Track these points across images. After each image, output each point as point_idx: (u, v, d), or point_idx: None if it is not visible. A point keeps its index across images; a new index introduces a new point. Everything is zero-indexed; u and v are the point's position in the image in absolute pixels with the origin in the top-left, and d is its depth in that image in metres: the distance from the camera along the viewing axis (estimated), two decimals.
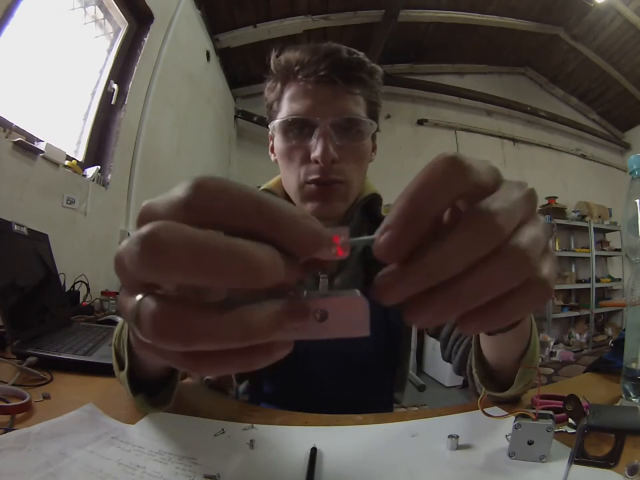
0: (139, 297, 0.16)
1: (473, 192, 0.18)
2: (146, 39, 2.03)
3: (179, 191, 0.16)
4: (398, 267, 0.18)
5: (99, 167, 1.73)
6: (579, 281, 4.27)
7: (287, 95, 0.62)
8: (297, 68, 0.60)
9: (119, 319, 0.50)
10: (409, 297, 0.18)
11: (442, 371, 3.09)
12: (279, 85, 0.64)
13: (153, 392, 0.47)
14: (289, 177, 0.64)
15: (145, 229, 0.14)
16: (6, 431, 0.40)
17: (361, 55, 0.63)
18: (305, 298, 0.18)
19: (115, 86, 1.89)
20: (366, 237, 0.19)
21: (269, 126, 0.65)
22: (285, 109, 0.62)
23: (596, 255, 4.22)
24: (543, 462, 0.37)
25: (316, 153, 0.58)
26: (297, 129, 0.61)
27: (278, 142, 0.64)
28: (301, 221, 0.16)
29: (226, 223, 0.16)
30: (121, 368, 0.46)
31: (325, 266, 0.19)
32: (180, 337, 0.15)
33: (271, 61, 0.64)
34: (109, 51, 1.97)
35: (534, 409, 0.39)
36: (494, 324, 0.19)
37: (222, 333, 0.15)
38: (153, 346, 0.16)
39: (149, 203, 0.17)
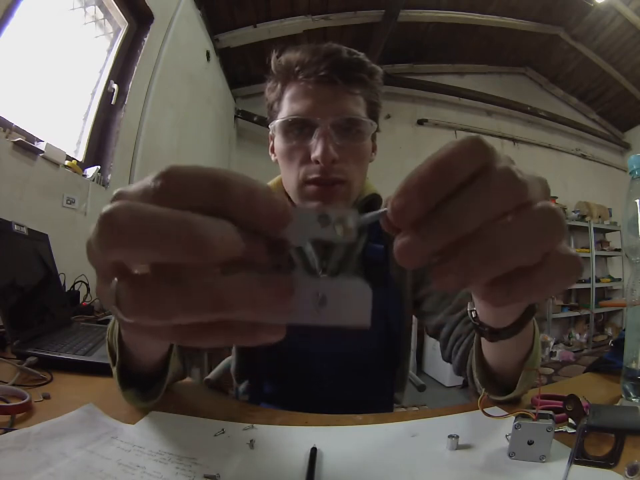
0: (114, 282, 0.16)
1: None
2: (146, 39, 2.03)
3: (146, 179, 0.17)
4: (416, 225, 0.18)
5: (99, 166, 1.73)
6: (579, 281, 4.26)
7: (287, 95, 0.62)
8: (297, 68, 0.60)
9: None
10: (432, 255, 0.18)
11: (442, 371, 3.09)
12: (279, 85, 0.64)
13: (144, 386, 0.47)
14: (289, 176, 0.64)
15: (105, 208, 0.15)
16: (6, 430, 0.40)
17: (361, 55, 0.63)
18: (299, 278, 0.17)
19: (115, 86, 1.89)
20: (376, 212, 0.18)
21: (270, 126, 0.65)
22: (286, 109, 0.62)
23: (596, 255, 4.22)
24: (543, 462, 0.37)
25: (316, 153, 0.58)
26: (297, 129, 0.61)
27: (278, 142, 0.64)
28: (258, 195, 0.16)
29: (189, 203, 0.16)
30: (114, 362, 0.46)
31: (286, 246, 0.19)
32: (156, 311, 0.15)
33: (272, 62, 0.64)
34: (109, 50, 1.97)
35: (534, 408, 0.39)
36: (521, 295, 0.19)
37: (193, 304, 0.15)
38: (138, 325, 0.17)
39: (120, 190, 0.18)
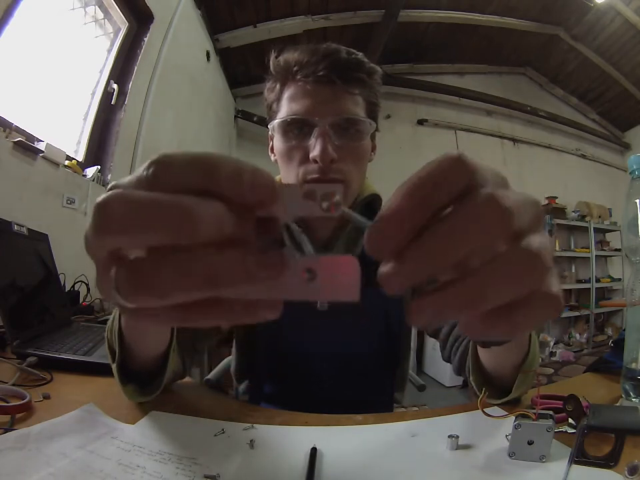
0: (113, 270, 0.17)
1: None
2: (146, 39, 2.03)
3: (139, 169, 0.17)
4: (394, 255, 0.18)
5: (99, 167, 1.73)
6: (579, 281, 4.26)
7: (286, 95, 0.62)
8: (295, 68, 0.60)
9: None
10: (409, 285, 0.18)
11: (442, 371, 3.09)
12: (278, 86, 0.64)
13: (144, 382, 0.48)
14: (288, 176, 0.64)
15: (99, 199, 0.16)
16: (6, 430, 0.40)
17: (360, 55, 0.63)
18: (289, 254, 0.17)
19: (115, 86, 1.89)
20: (364, 222, 0.19)
21: (269, 126, 0.65)
22: (285, 109, 0.62)
23: (596, 255, 4.22)
24: (543, 462, 0.37)
25: (315, 152, 0.58)
26: (296, 128, 0.61)
27: (277, 142, 0.64)
28: (245, 173, 0.17)
29: (180, 187, 0.16)
30: (113, 359, 0.47)
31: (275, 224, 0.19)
32: (155, 290, 0.16)
33: (270, 62, 0.64)
34: (109, 50, 1.97)
35: (534, 408, 0.39)
36: (497, 333, 0.18)
37: (189, 281, 0.16)
38: (139, 310, 0.17)
39: (114, 182, 0.18)
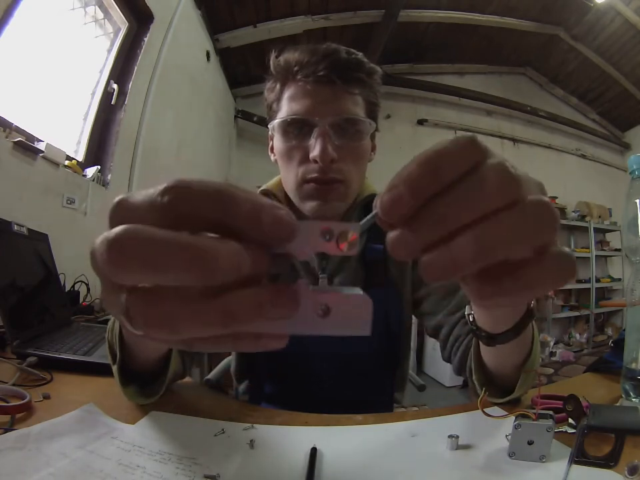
0: (123, 296, 0.16)
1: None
2: (146, 39, 2.03)
3: (152, 192, 0.16)
4: (407, 220, 0.18)
5: (99, 166, 1.73)
6: (579, 281, 4.26)
7: (286, 95, 0.62)
8: (296, 68, 0.60)
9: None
10: (424, 247, 0.18)
11: (442, 371, 3.09)
12: (278, 86, 0.64)
13: (145, 384, 0.48)
14: (288, 176, 0.64)
15: (112, 233, 0.15)
16: (6, 430, 0.40)
17: (360, 55, 0.63)
18: (302, 290, 0.17)
19: (115, 86, 1.89)
20: (370, 215, 0.19)
21: (269, 126, 0.66)
22: (285, 109, 0.62)
23: (596, 255, 4.22)
24: (543, 462, 0.37)
25: (314, 152, 0.58)
26: (296, 128, 0.61)
27: (277, 142, 0.64)
28: (265, 210, 0.16)
29: (196, 219, 0.16)
30: (114, 361, 0.47)
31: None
32: (167, 327, 0.16)
33: (271, 62, 0.64)
34: (109, 51, 1.97)
35: (534, 408, 0.39)
36: (510, 292, 0.18)
37: (204, 320, 0.16)
38: (146, 336, 0.17)
39: (122, 200, 0.17)
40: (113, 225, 0.16)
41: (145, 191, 0.17)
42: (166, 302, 0.16)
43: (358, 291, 0.18)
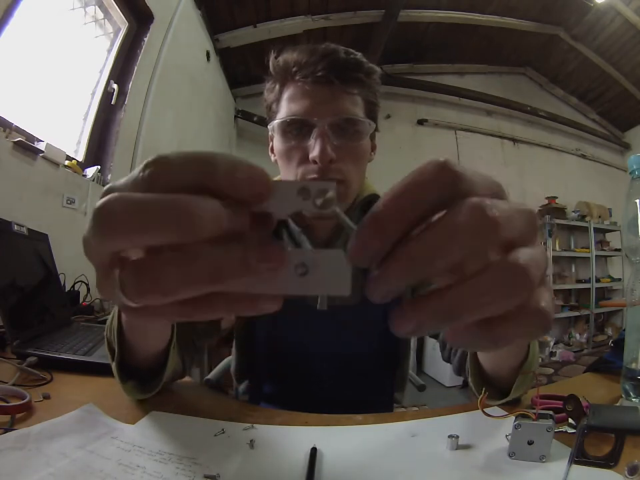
0: (116, 271, 0.17)
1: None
2: (146, 39, 2.03)
3: (135, 171, 0.18)
4: (377, 264, 0.18)
5: (99, 166, 1.73)
6: (578, 281, 4.26)
7: (285, 95, 0.63)
8: (294, 69, 0.60)
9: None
10: (392, 294, 0.18)
11: (442, 371, 3.09)
12: (277, 86, 0.64)
13: (144, 379, 0.48)
14: (287, 176, 0.64)
15: (97, 203, 0.17)
16: (6, 430, 0.40)
17: (359, 55, 0.63)
18: (279, 246, 0.18)
19: (115, 86, 1.89)
20: (349, 221, 0.19)
21: (268, 127, 0.66)
22: (284, 110, 0.62)
23: (596, 255, 4.22)
24: (543, 462, 0.37)
25: (314, 153, 0.58)
26: (296, 129, 0.61)
27: (277, 142, 0.64)
28: (240, 169, 0.17)
29: (177, 186, 0.17)
30: (113, 358, 0.47)
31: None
32: (161, 289, 0.16)
33: (270, 63, 0.64)
34: (109, 51, 1.97)
35: (534, 408, 0.39)
36: (481, 345, 0.18)
37: (193, 277, 0.16)
38: (144, 308, 0.18)
39: (110, 185, 0.18)
40: None
41: (130, 173, 0.18)
42: (155, 266, 0.16)
43: (338, 251, 0.18)
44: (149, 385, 0.48)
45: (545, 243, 4.01)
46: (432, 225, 0.17)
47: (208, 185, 0.17)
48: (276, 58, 0.64)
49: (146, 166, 0.17)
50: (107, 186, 0.18)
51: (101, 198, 0.18)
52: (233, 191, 0.17)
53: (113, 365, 0.47)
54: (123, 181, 0.18)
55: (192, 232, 0.16)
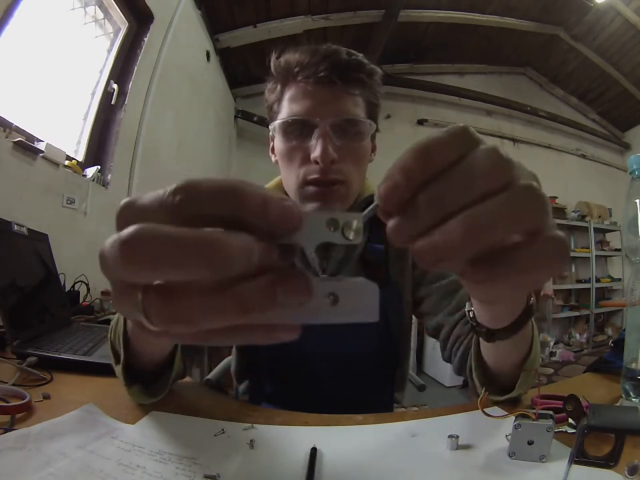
0: (139, 295, 0.17)
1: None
2: (146, 39, 2.03)
3: (162, 193, 0.17)
4: (404, 207, 0.18)
5: (99, 166, 1.73)
6: (578, 281, 4.27)
7: (287, 96, 0.63)
8: (296, 69, 0.60)
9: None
10: (417, 235, 0.18)
11: (442, 371, 3.09)
12: (279, 87, 0.64)
13: (149, 382, 0.48)
14: (288, 177, 0.64)
15: (125, 233, 0.16)
16: (6, 430, 0.40)
17: (360, 56, 0.63)
18: (308, 278, 0.18)
19: (115, 86, 1.89)
20: (372, 206, 0.20)
21: (269, 127, 0.66)
22: (285, 110, 0.62)
23: (596, 255, 4.22)
24: (543, 462, 0.37)
25: (315, 153, 0.58)
26: (297, 129, 0.61)
27: (278, 143, 0.64)
28: (272, 202, 0.17)
29: (206, 218, 0.16)
30: (117, 361, 0.46)
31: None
32: (186, 320, 0.16)
33: (271, 63, 0.64)
34: (109, 51, 1.97)
35: (534, 408, 0.39)
36: (503, 279, 0.18)
37: (221, 311, 0.16)
38: (163, 332, 0.18)
39: (130, 202, 0.17)
40: (121, 226, 0.16)
41: (153, 193, 0.17)
42: (182, 296, 0.16)
43: (366, 279, 0.19)
44: (153, 388, 0.48)
45: None
46: (454, 167, 0.18)
47: (238, 217, 0.17)
48: (277, 58, 0.64)
49: (175, 191, 0.16)
50: (126, 201, 0.18)
51: (120, 215, 0.17)
52: (265, 225, 0.17)
53: (118, 369, 0.46)
54: (146, 200, 0.17)
55: (224, 270, 0.16)
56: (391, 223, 0.19)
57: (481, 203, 0.18)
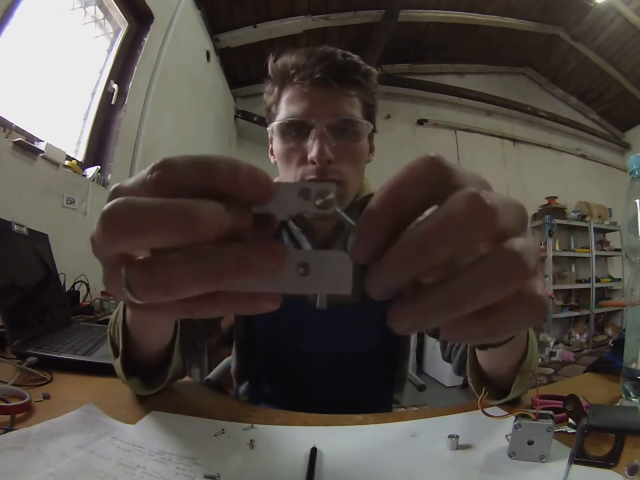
0: (123, 269, 0.18)
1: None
2: (146, 39, 2.03)
3: (142, 173, 0.18)
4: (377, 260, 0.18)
5: (99, 166, 1.73)
6: (578, 281, 4.26)
7: (284, 97, 0.63)
8: (292, 71, 0.61)
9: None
10: (392, 290, 0.18)
11: (442, 371, 3.09)
12: (276, 89, 0.65)
13: (147, 376, 0.48)
14: (286, 178, 0.64)
15: (105, 207, 0.17)
16: (6, 430, 0.40)
17: (356, 57, 0.63)
18: (280, 245, 0.18)
19: (115, 86, 1.89)
20: (349, 220, 0.19)
21: (268, 128, 0.66)
22: (283, 112, 0.63)
23: (596, 255, 4.22)
24: (543, 462, 0.37)
25: (312, 153, 0.58)
26: (294, 130, 0.61)
27: (276, 144, 0.65)
28: (242, 171, 0.18)
29: (183, 189, 0.18)
30: (116, 354, 0.47)
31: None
32: (166, 287, 0.17)
33: (269, 65, 0.65)
34: (109, 51, 1.97)
35: (534, 408, 0.39)
36: (478, 337, 0.18)
37: (196, 277, 0.17)
38: (149, 305, 0.18)
39: (118, 185, 0.19)
40: None
41: (137, 175, 0.18)
42: (160, 266, 0.17)
43: (339, 251, 0.19)
44: (151, 382, 0.49)
45: (545, 243, 4.01)
46: (429, 216, 0.17)
47: (211, 187, 0.18)
48: (274, 61, 0.64)
49: (153, 169, 0.18)
50: (114, 186, 0.19)
51: (109, 199, 0.18)
52: (236, 193, 0.18)
53: (117, 362, 0.47)
54: (130, 181, 0.19)
55: (196, 234, 0.17)
56: (368, 274, 0.18)
57: (462, 271, 0.17)
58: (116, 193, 0.19)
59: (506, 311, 0.17)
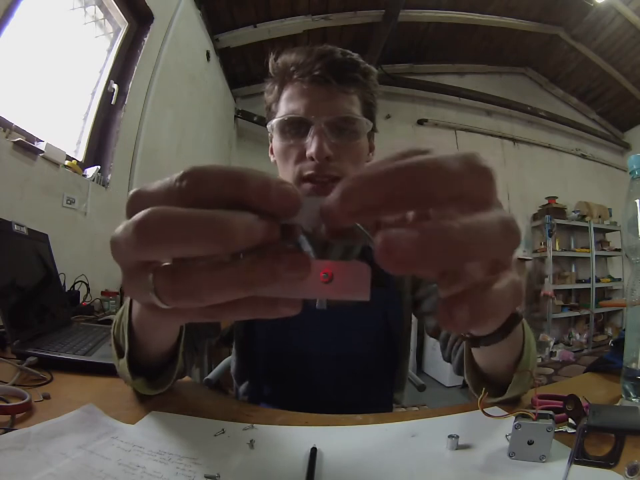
0: (150, 275, 0.18)
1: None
2: (146, 39, 2.03)
3: (169, 180, 0.18)
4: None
5: (99, 166, 1.73)
6: (578, 281, 4.27)
7: (284, 96, 0.63)
8: (292, 69, 0.62)
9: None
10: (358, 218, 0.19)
11: (442, 371, 3.09)
12: (276, 87, 0.65)
13: (152, 377, 0.48)
14: (285, 175, 0.64)
15: (138, 216, 0.17)
16: (6, 430, 0.40)
17: (355, 55, 0.64)
18: (306, 256, 0.19)
19: (115, 86, 1.89)
20: (368, 234, 0.20)
21: (267, 126, 0.66)
22: (282, 110, 0.63)
23: (596, 255, 4.22)
24: (543, 462, 0.37)
25: (310, 149, 0.59)
26: (294, 128, 0.61)
27: (275, 141, 0.65)
28: (272, 185, 0.18)
29: (212, 199, 0.18)
30: (120, 356, 0.46)
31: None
32: (195, 295, 0.18)
33: (269, 64, 0.65)
34: (109, 50, 1.97)
35: (534, 408, 0.39)
36: (465, 322, 0.18)
37: (226, 285, 0.18)
38: (173, 310, 0.19)
39: (138, 191, 0.19)
40: (131, 214, 0.18)
41: (160, 181, 0.18)
42: (190, 273, 0.18)
43: (359, 261, 0.20)
44: (157, 382, 0.48)
45: (545, 243, 4.02)
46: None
47: (241, 199, 0.18)
48: (275, 60, 0.65)
49: (182, 177, 0.18)
50: (134, 190, 0.19)
51: (129, 203, 0.19)
52: (266, 206, 0.18)
53: (121, 362, 0.46)
54: (154, 187, 0.19)
55: (229, 245, 0.17)
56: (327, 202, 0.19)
57: (461, 216, 0.17)
58: (137, 198, 0.19)
59: (488, 293, 0.19)
